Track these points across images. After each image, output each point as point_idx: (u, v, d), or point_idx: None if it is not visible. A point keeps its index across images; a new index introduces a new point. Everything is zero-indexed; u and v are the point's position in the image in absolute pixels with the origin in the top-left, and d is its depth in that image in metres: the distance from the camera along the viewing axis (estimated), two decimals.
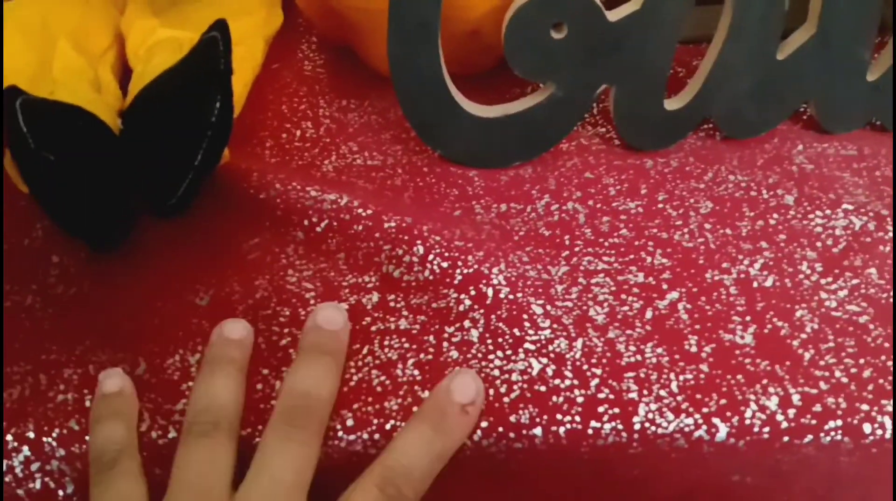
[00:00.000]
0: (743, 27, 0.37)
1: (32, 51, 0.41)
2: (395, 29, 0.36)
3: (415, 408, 0.31)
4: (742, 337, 0.33)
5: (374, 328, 0.34)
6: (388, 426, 0.30)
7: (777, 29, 0.38)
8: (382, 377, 0.32)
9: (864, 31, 0.39)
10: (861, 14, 0.38)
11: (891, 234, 0.37)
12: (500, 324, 0.33)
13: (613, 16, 0.37)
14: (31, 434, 0.31)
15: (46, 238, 0.38)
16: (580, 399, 0.31)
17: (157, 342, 0.34)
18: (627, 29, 0.37)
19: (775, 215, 0.38)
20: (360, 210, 0.37)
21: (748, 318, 0.34)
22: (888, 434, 0.30)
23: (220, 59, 0.37)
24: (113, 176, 0.36)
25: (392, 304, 0.34)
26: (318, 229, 0.37)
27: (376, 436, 0.30)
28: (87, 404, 0.32)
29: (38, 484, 0.31)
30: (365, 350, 0.33)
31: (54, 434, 0.31)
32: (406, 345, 0.33)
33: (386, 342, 0.33)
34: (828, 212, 0.38)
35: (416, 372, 0.32)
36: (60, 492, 0.31)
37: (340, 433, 0.30)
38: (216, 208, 0.39)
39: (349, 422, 0.31)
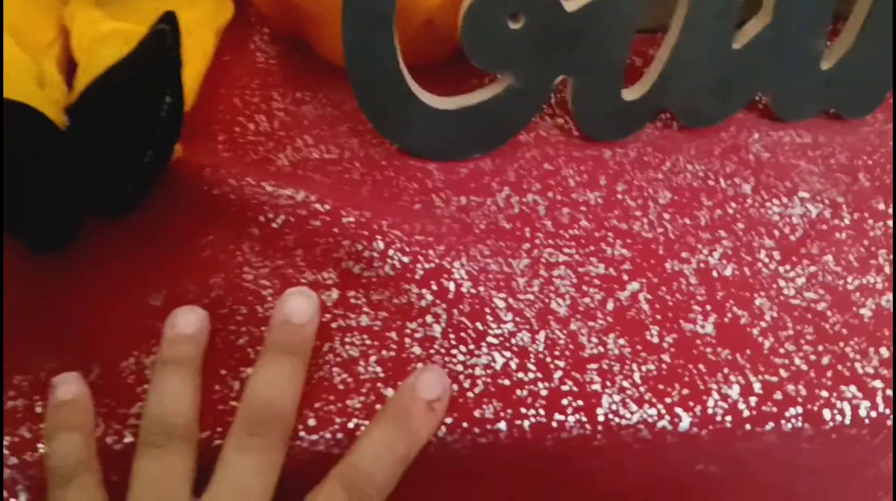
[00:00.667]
0: (699, 17, 0.37)
1: None
2: (350, 20, 0.35)
3: (378, 406, 0.30)
4: (703, 327, 0.33)
5: (334, 325, 0.33)
6: (350, 425, 0.30)
7: (733, 19, 0.38)
8: (344, 375, 0.31)
9: (819, 20, 0.39)
10: (816, 2, 0.38)
11: (846, 221, 0.38)
12: (463, 318, 0.33)
13: (571, 6, 0.36)
14: None
15: None
16: (544, 392, 0.31)
17: (111, 344, 0.33)
18: (585, 19, 0.37)
19: (733, 204, 0.39)
20: (317, 205, 0.36)
21: (708, 307, 0.34)
22: (847, 420, 0.31)
23: (169, 52, 0.36)
24: (59, 174, 0.35)
25: (352, 300, 0.34)
26: (275, 224, 0.36)
27: (339, 435, 0.30)
28: (39, 410, 0.31)
29: None
30: (326, 348, 0.32)
31: (5, 443, 0.30)
32: (368, 342, 0.32)
33: (347, 340, 0.33)
34: (784, 200, 0.39)
35: (378, 369, 0.32)
36: None
37: (302, 434, 0.30)
38: (168, 205, 0.38)
39: (311, 422, 0.30)
